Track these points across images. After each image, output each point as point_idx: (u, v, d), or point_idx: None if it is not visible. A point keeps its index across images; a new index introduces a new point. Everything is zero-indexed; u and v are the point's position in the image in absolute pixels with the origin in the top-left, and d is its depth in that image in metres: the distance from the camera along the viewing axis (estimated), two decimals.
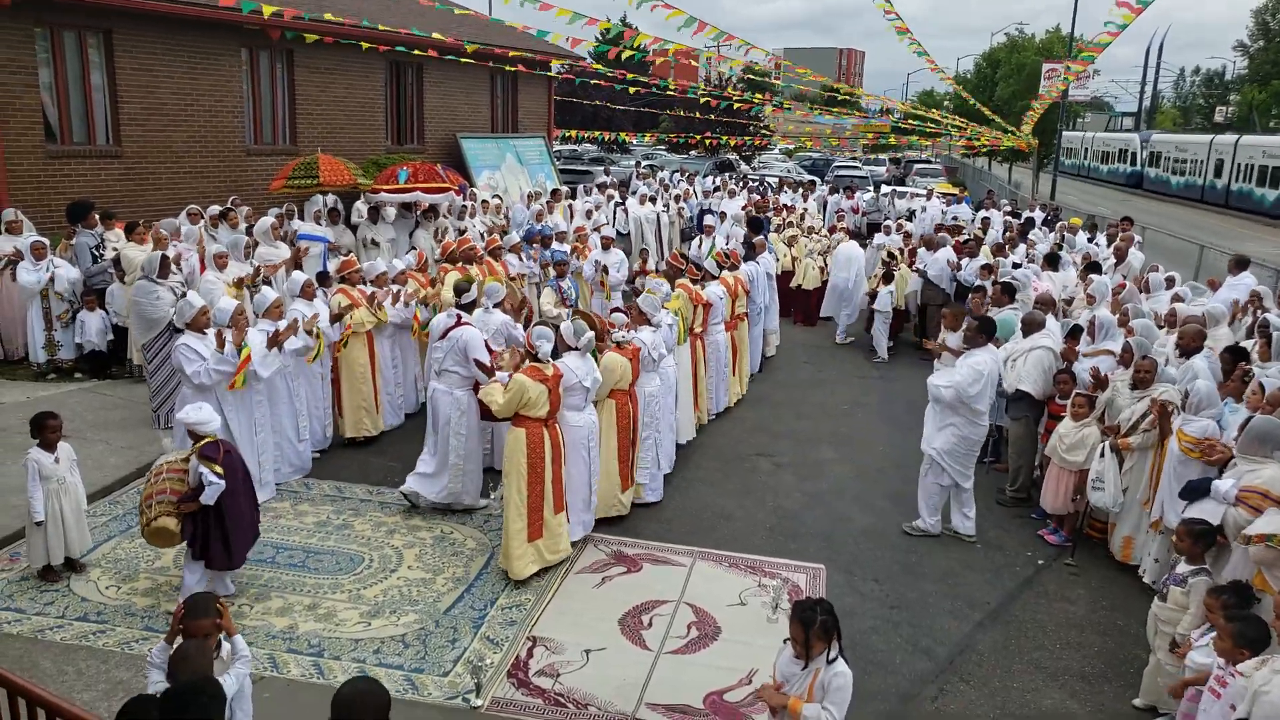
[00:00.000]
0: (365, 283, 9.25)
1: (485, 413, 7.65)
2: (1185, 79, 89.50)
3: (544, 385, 6.57)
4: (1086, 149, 62.47)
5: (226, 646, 4.07)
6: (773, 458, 9.40)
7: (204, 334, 7.11)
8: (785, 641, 4.12)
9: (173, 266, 9.22)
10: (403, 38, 15.57)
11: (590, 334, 7.09)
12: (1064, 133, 60.20)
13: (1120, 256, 13.07)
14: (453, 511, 7.72)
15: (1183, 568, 5.37)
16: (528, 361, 6.78)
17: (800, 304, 15.47)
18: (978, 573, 7.14)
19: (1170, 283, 11.14)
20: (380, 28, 14.56)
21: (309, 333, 7.99)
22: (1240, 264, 11.23)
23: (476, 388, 7.52)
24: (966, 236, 14.81)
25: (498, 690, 5.38)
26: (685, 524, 7.76)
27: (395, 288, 9.39)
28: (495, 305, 8.63)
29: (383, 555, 6.95)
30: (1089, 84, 43.26)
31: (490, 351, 7.63)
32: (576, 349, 6.99)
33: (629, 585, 6.67)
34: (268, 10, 12.34)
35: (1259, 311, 9.52)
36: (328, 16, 13.87)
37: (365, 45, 15.50)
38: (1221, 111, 74.37)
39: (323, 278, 9.43)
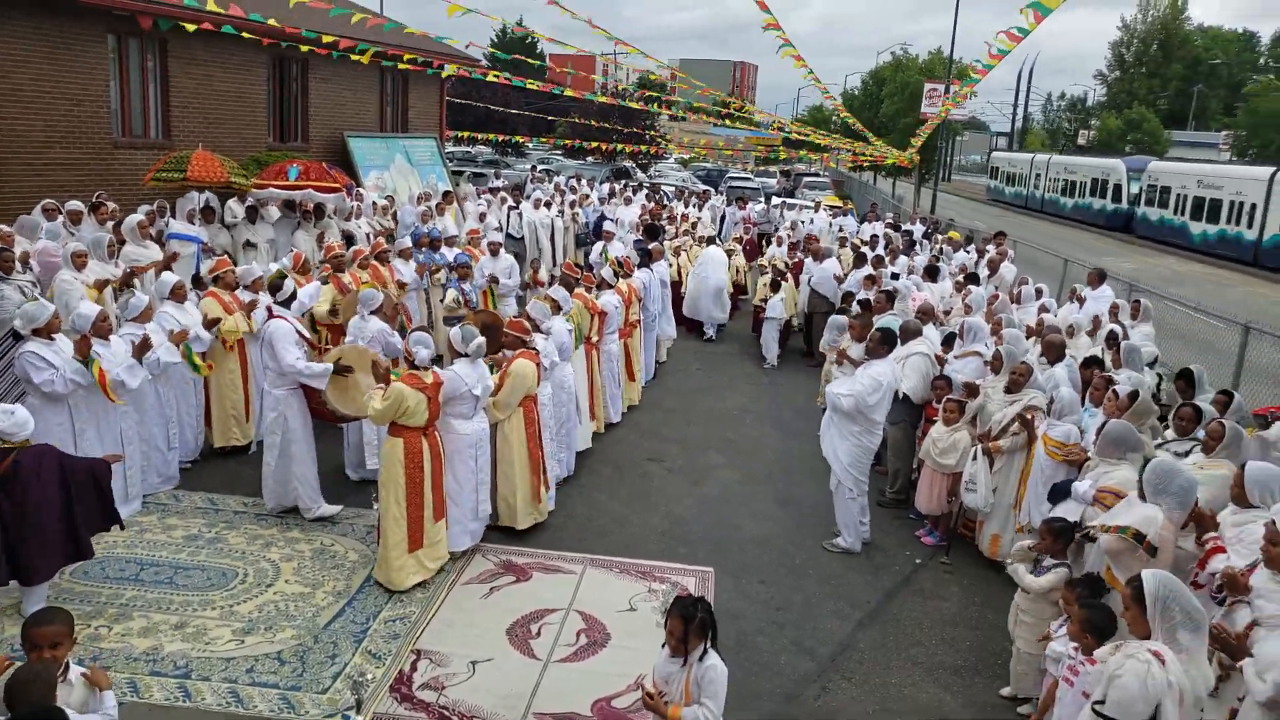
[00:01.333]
0: (238, 287, 8.89)
1: (319, 412, 7.44)
2: (1053, 103, 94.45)
3: (423, 394, 6.43)
4: (1040, 176, 49.93)
5: (76, 670, 3.80)
6: (664, 463, 9.46)
7: (52, 340, 6.56)
8: (664, 646, 4.14)
9: (18, 265, 8.64)
10: (287, 34, 15.04)
11: (480, 340, 6.97)
12: (995, 153, 58.45)
13: (994, 269, 13.65)
14: (333, 523, 7.48)
15: (1047, 562, 5.63)
16: (404, 369, 6.64)
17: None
18: (859, 573, 7.32)
19: (1039, 294, 11.71)
20: (270, 22, 14.05)
21: (177, 345, 7.63)
22: (1100, 277, 11.89)
23: (305, 389, 7.35)
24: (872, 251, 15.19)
25: (379, 706, 5.23)
26: (577, 531, 7.73)
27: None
28: (371, 313, 8.42)
29: (258, 569, 6.68)
30: (966, 104, 45.24)
31: (312, 345, 7.48)
32: (466, 355, 6.88)
33: (518, 594, 6.58)
34: None
35: (1115, 323, 10.08)
36: (211, 5, 13.28)
37: (246, 36, 14.91)
38: (1084, 135, 78.70)
39: (197, 281, 9.03)
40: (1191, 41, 78.38)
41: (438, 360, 7.99)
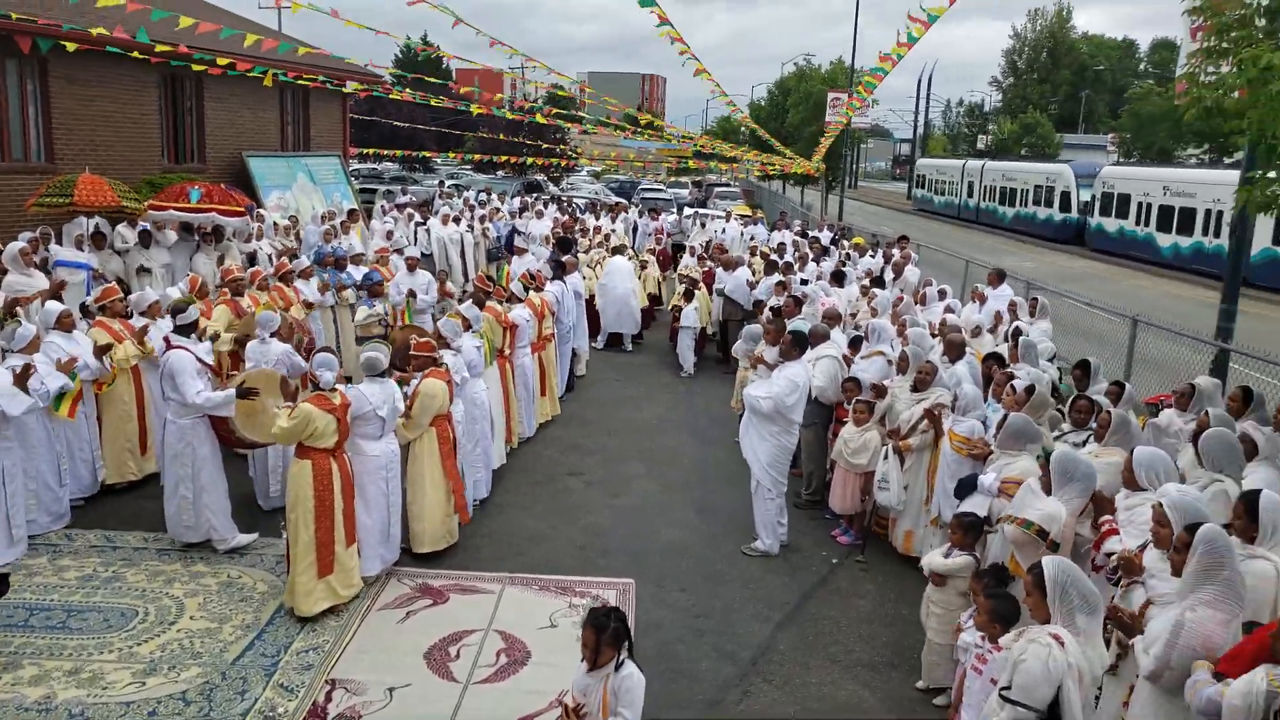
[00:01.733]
0: (132, 314, 8.55)
1: (227, 440, 7.23)
2: (951, 109, 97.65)
3: (331, 415, 6.28)
4: (974, 183, 46.65)
5: None
6: (583, 476, 9.41)
7: None
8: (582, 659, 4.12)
9: None
10: (178, 54, 14.59)
11: (383, 360, 6.85)
12: (922, 160, 56.70)
13: (898, 272, 13.99)
14: (240, 554, 7.23)
15: (955, 554, 5.76)
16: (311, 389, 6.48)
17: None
18: (777, 576, 7.39)
19: (942, 295, 12.03)
20: (159, 48, 13.56)
21: (66, 374, 7.29)
22: (999, 276, 12.28)
23: (212, 418, 7.13)
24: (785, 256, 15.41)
25: None
26: (495, 550, 7.62)
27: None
28: (271, 335, 8.21)
29: (160, 607, 6.40)
30: (869, 112, 46.42)
31: (216, 373, 7.27)
32: (376, 375, 6.74)
33: (435, 618, 6.45)
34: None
35: (1015, 319, 10.43)
36: (97, 32, 12.71)
37: (136, 56, 14.39)
38: (983, 139, 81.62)
39: (86, 309, 8.66)
40: (1078, 49, 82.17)
41: (349, 380, 7.80)
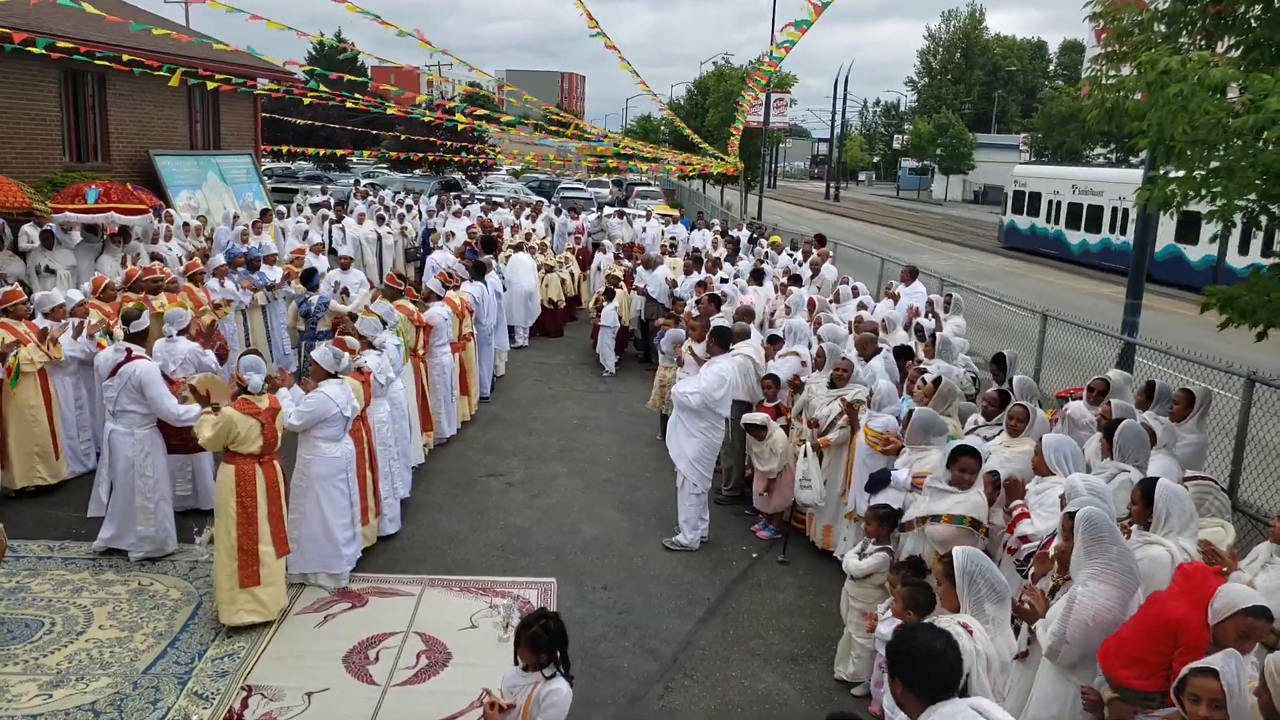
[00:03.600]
0: (35, 315, 8.28)
1: (174, 447, 7.10)
2: (869, 109, 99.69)
3: (255, 419, 6.15)
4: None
5: None
6: (503, 477, 9.40)
7: None
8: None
9: None
10: (81, 52, 14.06)
11: (348, 357, 6.78)
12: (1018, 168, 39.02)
13: (815, 270, 14.27)
14: (152, 560, 7.06)
15: (871, 548, 5.93)
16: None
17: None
18: (698, 571, 7.50)
19: (856, 292, 12.31)
20: (60, 44, 13.05)
21: None
22: (912, 274, 12.64)
23: (162, 425, 7.01)
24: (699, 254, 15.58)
25: None
26: (414, 552, 7.58)
27: (74, 320, 8.44)
28: (179, 333, 8.05)
29: (67, 617, 6.22)
30: (787, 111, 47.14)
31: (170, 382, 7.11)
32: (336, 375, 6.64)
33: (354, 621, 6.39)
34: None
35: (929, 315, 10.75)
36: None
37: (34, 51, 13.84)
38: (899, 139, 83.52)
39: None
40: (990, 50, 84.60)
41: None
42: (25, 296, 8.49)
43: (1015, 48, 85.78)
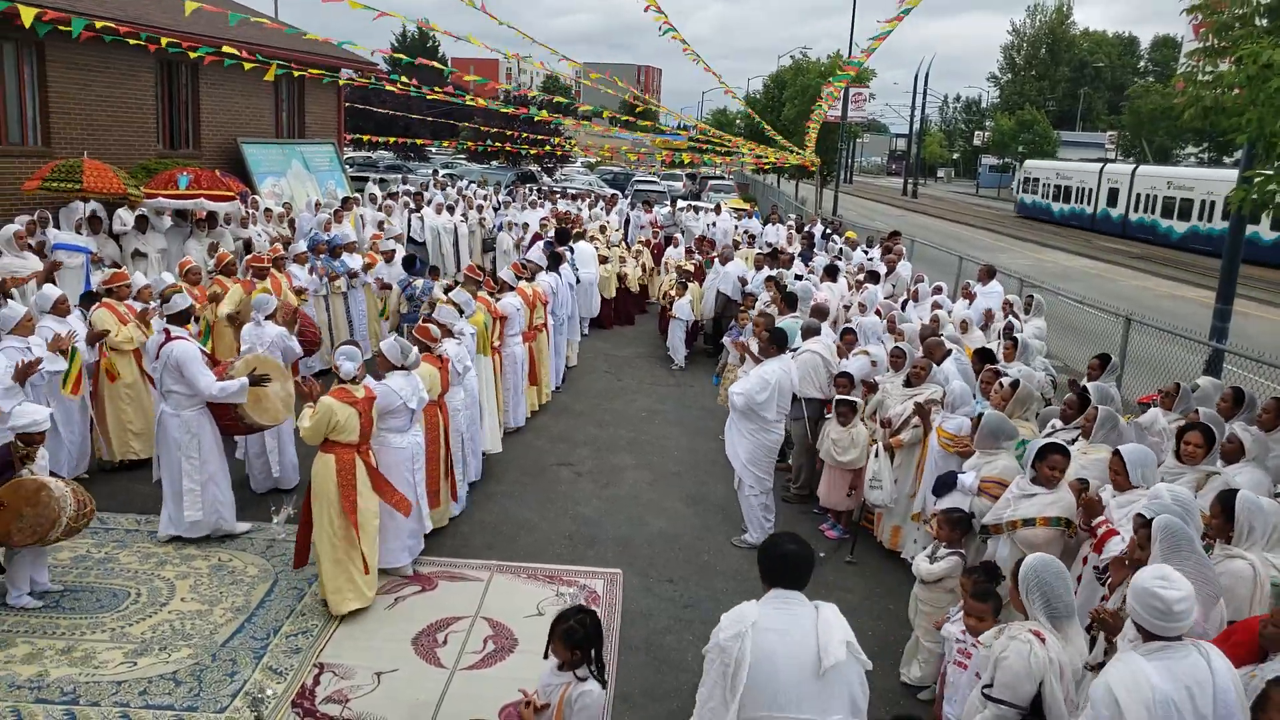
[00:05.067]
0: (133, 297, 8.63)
1: (232, 429, 7.23)
2: (948, 105, 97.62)
3: (353, 408, 6.20)
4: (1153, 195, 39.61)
5: None
6: (573, 466, 9.47)
7: None
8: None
9: None
10: (175, 44, 14.52)
11: (416, 351, 6.85)
12: (1028, 161, 52.92)
13: (890, 268, 14.05)
14: (231, 537, 7.29)
15: (942, 551, 5.82)
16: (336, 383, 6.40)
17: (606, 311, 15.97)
18: None
19: (937, 290, 12.08)
20: (163, 41, 13.50)
21: (61, 353, 7.33)
22: (990, 273, 12.36)
23: (213, 406, 7.09)
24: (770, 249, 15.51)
25: None
26: (484, 537, 7.68)
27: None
28: (267, 318, 8.26)
29: (152, 589, 6.46)
30: (866, 106, 46.40)
31: (215, 361, 7.26)
32: (403, 368, 6.69)
33: (423, 604, 6.51)
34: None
35: (1009, 317, 10.49)
36: (101, 24, 12.62)
37: (133, 42, 14.37)
38: (980, 136, 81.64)
39: (88, 296, 8.70)
40: (1077, 46, 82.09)
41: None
42: (128, 279, 8.81)
43: (1104, 43, 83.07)
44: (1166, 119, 51.42)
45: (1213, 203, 34.48)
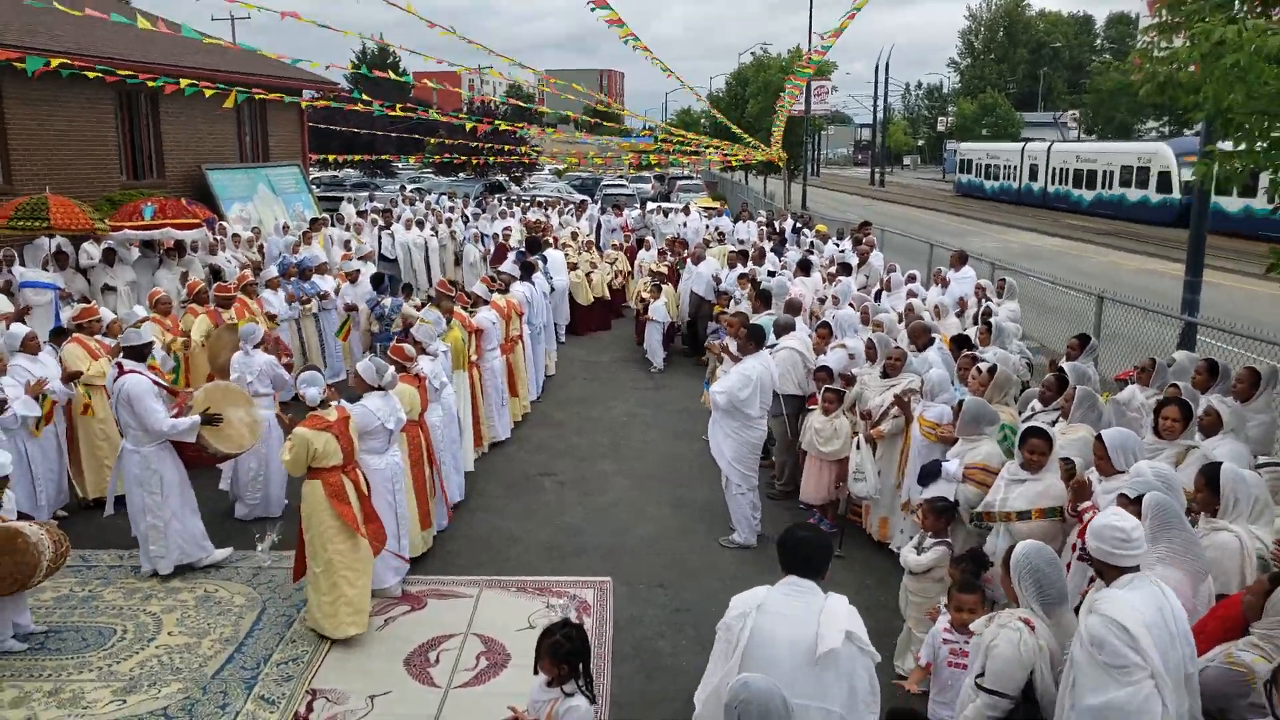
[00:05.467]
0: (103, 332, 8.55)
1: (197, 461, 7.13)
2: (911, 93, 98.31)
3: (328, 433, 6.15)
4: (1065, 169, 45.18)
5: None
6: (555, 476, 9.45)
7: None
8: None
9: None
10: (136, 75, 14.43)
11: (392, 370, 6.81)
12: (961, 144, 61.46)
13: (863, 259, 14.13)
14: (217, 568, 7.22)
15: (929, 542, 5.85)
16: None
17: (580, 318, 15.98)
18: (753, 566, 7.46)
19: (910, 279, 12.14)
20: (121, 72, 13.38)
21: (35, 398, 7.25)
22: (962, 259, 12.45)
23: (181, 446, 6.98)
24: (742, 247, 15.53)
25: None
26: (471, 553, 7.66)
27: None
28: (255, 346, 8.21)
29: (138, 624, 6.40)
30: (829, 98, 46.66)
31: (174, 393, 7.18)
32: (380, 388, 6.65)
33: (413, 623, 6.49)
34: None
35: (983, 301, 10.56)
36: (58, 63, 12.44)
37: (91, 75, 14.22)
38: (943, 121, 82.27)
39: (58, 332, 8.60)
40: (1034, 27, 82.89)
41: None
42: (98, 314, 8.72)
43: (1060, 23, 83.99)
44: (1126, 95, 52.70)
45: (1111, 172, 40.02)
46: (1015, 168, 49.05)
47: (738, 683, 3.18)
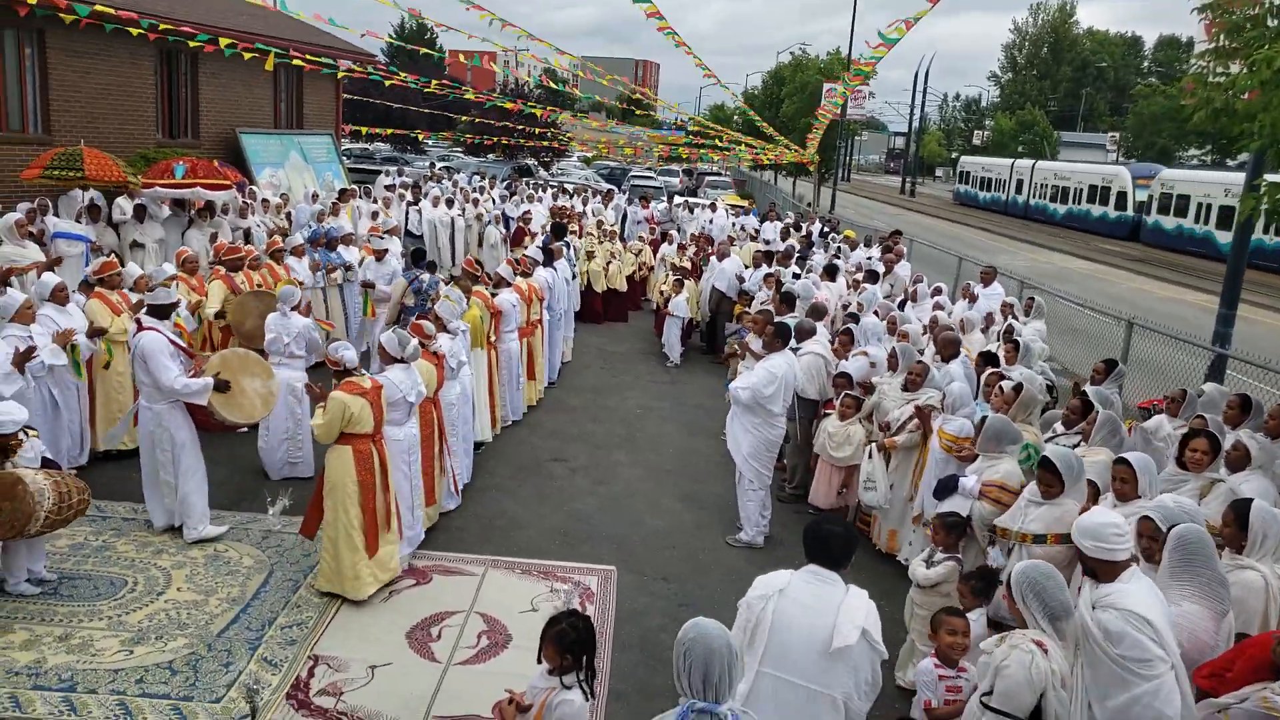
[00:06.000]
0: (124, 287, 8.61)
1: (207, 426, 7.15)
2: (948, 104, 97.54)
3: (364, 399, 6.24)
4: (1044, 185, 51.10)
5: None
6: (567, 463, 9.47)
7: None
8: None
9: None
10: (178, 31, 14.51)
11: (415, 343, 6.86)
12: (964, 157, 66.10)
13: (889, 267, 14.06)
14: (226, 526, 7.29)
15: (939, 556, 5.82)
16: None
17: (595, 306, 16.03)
18: (760, 567, 7.36)
19: (936, 292, 12.08)
20: (162, 26, 13.48)
21: (63, 347, 7.32)
22: (991, 275, 12.37)
23: (193, 408, 7.01)
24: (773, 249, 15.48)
25: (275, 713, 5.14)
26: (478, 532, 7.69)
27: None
28: (292, 309, 8.35)
29: (148, 577, 6.47)
30: (865, 104, 46.40)
31: (191, 355, 7.21)
32: (402, 360, 6.72)
33: (418, 598, 6.52)
34: None
35: (1008, 319, 10.50)
36: (99, 8, 12.61)
37: (136, 32, 14.31)
38: (979, 135, 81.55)
39: (87, 284, 8.69)
40: (1080, 45, 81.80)
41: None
42: (120, 268, 8.79)
43: (1107, 43, 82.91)
44: (1171, 121, 52.61)
45: (1081, 190, 45.67)
46: (1005, 181, 54.10)
47: (689, 623, 3.28)
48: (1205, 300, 22.17)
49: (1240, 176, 39.00)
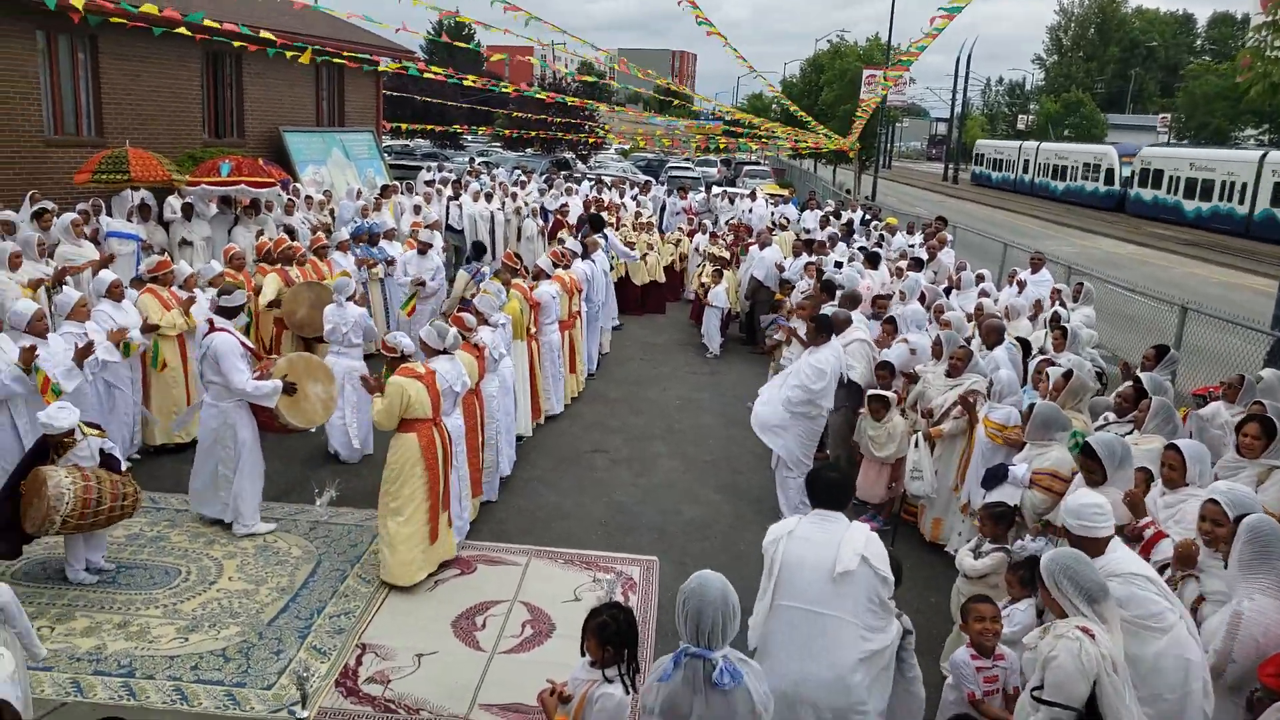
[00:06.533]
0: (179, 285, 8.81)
1: (267, 425, 7.26)
2: (991, 88, 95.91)
3: (421, 383, 6.38)
4: (1046, 164, 54.74)
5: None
6: (608, 454, 9.51)
7: None
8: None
9: None
10: (221, 32, 14.74)
11: (454, 332, 6.94)
12: (980, 140, 68.28)
13: (932, 255, 13.90)
14: (275, 519, 7.42)
15: (987, 547, 5.74)
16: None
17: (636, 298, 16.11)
18: None
19: (980, 279, 11.90)
20: (207, 22, 13.74)
21: (116, 345, 7.50)
22: (1040, 262, 12.14)
23: (256, 409, 7.13)
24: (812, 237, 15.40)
25: (325, 700, 5.24)
26: (521, 523, 7.76)
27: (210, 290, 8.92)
28: (348, 299, 8.59)
29: (201, 567, 6.62)
30: (906, 90, 45.81)
31: (259, 356, 7.33)
32: (444, 351, 6.81)
33: (462, 587, 6.61)
34: None
35: (1055, 306, 10.30)
36: (145, 8, 12.90)
37: (181, 32, 14.58)
38: (1023, 119, 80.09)
39: (137, 281, 8.91)
40: (1128, 25, 79.76)
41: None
42: (172, 266, 8.98)
43: (1157, 22, 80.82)
44: (1225, 100, 51.72)
45: (1076, 168, 50.14)
46: (1014, 162, 58.13)
47: (695, 575, 3.58)
48: (1263, 284, 21.60)
49: (1214, 153, 40.84)
